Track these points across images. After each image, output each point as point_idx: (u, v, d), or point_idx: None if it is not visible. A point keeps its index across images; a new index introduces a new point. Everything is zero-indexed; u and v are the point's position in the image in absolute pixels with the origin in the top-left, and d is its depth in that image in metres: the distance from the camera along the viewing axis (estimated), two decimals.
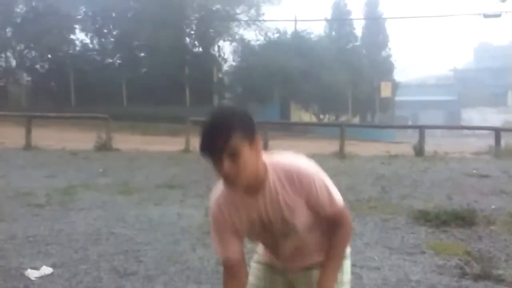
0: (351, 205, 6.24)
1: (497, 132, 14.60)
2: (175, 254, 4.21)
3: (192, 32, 28.32)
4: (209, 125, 1.55)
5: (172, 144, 13.24)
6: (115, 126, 13.87)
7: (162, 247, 4.43)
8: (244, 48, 27.51)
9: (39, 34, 24.97)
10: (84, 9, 27.99)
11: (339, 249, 1.71)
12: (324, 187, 1.64)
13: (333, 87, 25.44)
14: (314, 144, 14.97)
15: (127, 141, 13.41)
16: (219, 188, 1.70)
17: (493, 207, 6.22)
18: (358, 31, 32.57)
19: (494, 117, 36.38)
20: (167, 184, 7.61)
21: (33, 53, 28.28)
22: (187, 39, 28.23)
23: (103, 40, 28.27)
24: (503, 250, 4.45)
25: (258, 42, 27.92)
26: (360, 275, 3.78)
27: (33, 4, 27.17)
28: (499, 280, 3.65)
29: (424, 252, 4.40)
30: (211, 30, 27.51)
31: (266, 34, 28.16)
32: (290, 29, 28.76)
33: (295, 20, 29.37)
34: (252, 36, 28.17)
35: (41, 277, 3.60)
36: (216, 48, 27.96)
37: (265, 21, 28.46)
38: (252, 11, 28.96)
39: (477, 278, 3.69)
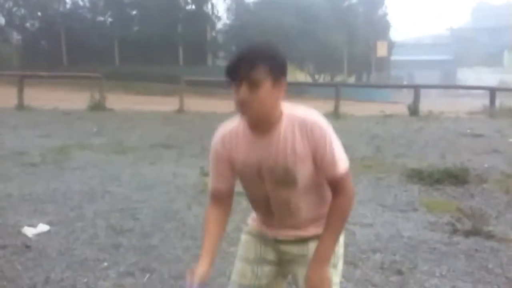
0: None
1: (492, 92, 14.60)
2: (170, 212, 4.25)
3: None
4: (240, 52, 1.56)
5: (166, 104, 13.16)
6: (108, 85, 13.74)
7: (157, 205, 4.46)
8: (238, 6, 27.00)
9: None
10: None
11: (338, 220, 1.65)
12: (334, 148, 1.61)
13: (329, 46, 25.20)
14: (309, 104, 14.68)
15: (121, 101, 13.31)
16: (231, 123, 1.71)
17: (486, 165, 6.28)
18: None
19: (489, 77, 36.28)
20: (162, 144, 7.60)
21: (23, 10, 27.65)
22: None
23: None
24: (495, 207, 4.52)
25: (252, 0, 27.40)
26: (353, 231, 3.84)
27: None
28: (489, 236, 3.72)
29: (416, 210, 4.47)
30: None
31: None
32: None
33: None
34: None
35: (38, 234, 3.63)
36: (209, 6, 27.45)
37: None
38: None
39: (468, 234, 3.76)
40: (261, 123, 1.59)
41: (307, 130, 1.58)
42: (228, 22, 28.16)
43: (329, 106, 12.59)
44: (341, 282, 1.82)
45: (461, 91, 26.63)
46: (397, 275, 3.07)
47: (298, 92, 16.65)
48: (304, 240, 1.72)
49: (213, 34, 27.67)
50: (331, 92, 13.95)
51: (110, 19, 27.52)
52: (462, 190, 5.10)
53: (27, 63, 23.29)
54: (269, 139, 1.61)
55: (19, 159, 6.22)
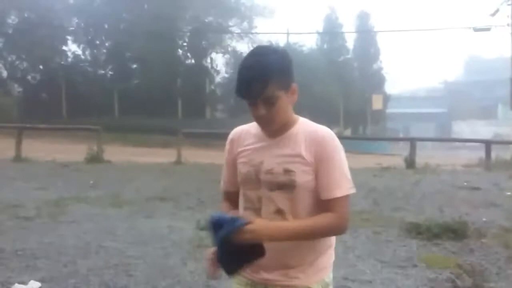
0: None
1: (488, 144, 14.69)
2: (166, 268, 4.17)
3: (185, 44, 28.41)
4: (248, 70, 1.55)
5: (163, 156, 13.19)
6: (106, 137, 13.81)
7: (152, 261, 4.38)
8: (237, 60, 27.58)
9: (31, 45, 24.93)
10: (76, 20, 28.00)
11: (315, 227, 1.57)
12: (336, 168, 1.59)
13: (325, 100, 25.58)
14: None
15: (119, 153, 13.34)
16: (249, 124, 1.74)
17: (484, 219, 6.24)
18: (350, 44, 32.87)
19: (484, 130, 36.65)
20: (158, 196, 7.56)
21: (25, 64, 28.20)
22: (180, 51, 28.32)
23: (95, 51, 28.27)
24: (495, 263, 4.45)
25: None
26: None
27: (25, 15, 27.13)
28: None
29: (416, 265, 4.39)
30: (203, 42, 27.61)
31: None
32: (282, 42, 28.94)
33: (287, 33, 29.59)
34: (244, 48, 28.29)
35: None
36: (208, 60, 28.09)
37: (258, 33, 28.67)
38: (245, 24, 29.15)
39: None
40: (278, 129, 1.63)
41: (319, 142, 1.59)
42: (226, 75, 28.72)
43: None
44: None
45: (456, 143, 26.84)
46: None
47: None
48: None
49: (212, 87, 28.15)
50: None
51: (111, 72, 28.05)
52: (461, 245, 5.04)
53: (27, 115, 23.49)
54: (279, 139, 1.64)
55: (14, 212, 6.16)
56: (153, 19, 23.84)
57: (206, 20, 27.88)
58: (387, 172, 11.67)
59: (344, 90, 27.82)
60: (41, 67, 27.91)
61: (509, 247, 4.93)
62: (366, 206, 7.17)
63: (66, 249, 4.66)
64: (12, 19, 27.76)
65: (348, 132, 30.94)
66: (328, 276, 1.72)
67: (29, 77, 28.56)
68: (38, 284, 3.68)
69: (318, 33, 32.23)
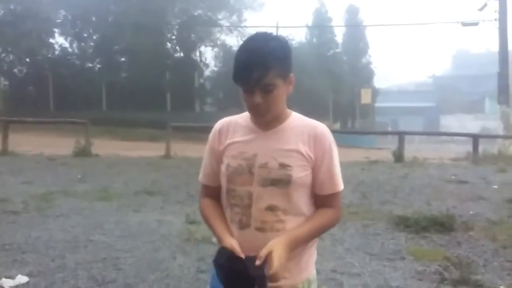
0: None
1: (475, 138, 14.83)
2: (154, 262, 4.16)
3: (174, 37, 28.22)
4: (246, 56, 1.51)
5: (152, 150, 13.13)
6: (94, 131, 13.70)
7: (141, 254, 4.37)
8: (226, 54, 27.50)
9: (17, 38, 24.59)
10: (63, 13, 27.65)
11: (322, 224, 1.59)
12: (334, 164, 1.60)
13: (314, 93, 25.60)
14: None
15: (107, 147, 13.24)
16: (234, 116, 1.70)
17: (471, 212, 6.31)
18: (339, 38, 32.88)
19: (472, 124, 37.00)
20: (147, 190, 7.52)
21: (11, 56, 27.80)
22: (168, 44, 28.12)
23: (82, 44, 27.97)
24: (482, 256, 4.50)
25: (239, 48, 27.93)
26: (341, 281, 3.78)
27: (11, 7, 26.73)
28: (477, 285, 3.69)
29: (404, 258, 4.43)
30: (192, 36, 27.45)
31: None
32: None
33: (277, 27, 29.47)
34: (233, 41, 28.18)
35: (16, 287, 3.51)
36: (197, 54, 27.92)
37: (247, 27, 28.52)
38: (234, 17, 29.03)
39: (456, 283, 3.72)
40: (271, 120, 1.59)
41: (315, 136, 1.58)
42: (215, 69, 28.61)
43: None
44: None
45: (444, 137, 27.06)
46: None
47: None
48: None
49: (201, 80, 28.01)
50: None
51: (98, 66, 27.79)
52: (448, 238, 5.09)
53: (13, 108, 23.21)
54: (273, 132, 1.60)
55: (1, 206, 6.09)
56: (142, 12, 23.63)
57: (195, 13, 27.71)
58: (376, 166, 11.74)
59: (333, 84, 27.86)
60: (27, 60, 27.56)
61: (495, 239, 4.99)
62: (354, 199, 7.21)
63: (54, 243, 4.62)
64: None
65: (337, 126, 31.02)
66: (312, 273, 1.71)
67: (15, 70, 28.18)
68: (26, 278, 3.65)
69: (307, 26, 32.20)
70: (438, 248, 4.76)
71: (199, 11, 27.89)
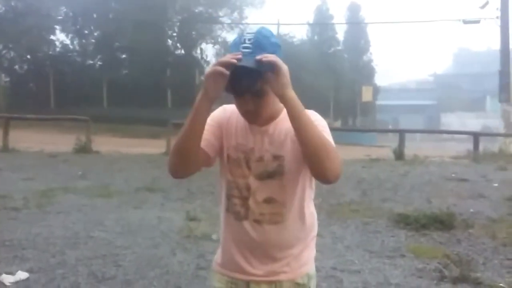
0: (332, 209, 6.27)
1: (476, 136, 14.83)
2: (154, 258, 4.16)
3: (175, 34, 28.21)
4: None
5: (153, 147, 13.14)
6: (95, 128, 13.71)
7: (141, 251, 4.37)
8: (227, 51, 27.36)
9: (18, 34, 24.58)
10: (64, 10, 27.63)
11: (320, 132, 1.46)
12: (323, 130, 1.53)
13: (315, 91, 25.58)
14: None
15: (107, 143, 13.26)
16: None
17: (471, 210, 6.31)
18: (340, 35, 32.91)
19: (472, 122, 37.01)
20: (147, 187, 7.53)
21: (12, 53, 27.82)
22: (169, 41, 28.12)
23: (83, 41, 27.96)
24: (481, 253, 4.50)
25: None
26: (341, 279, 3.79)
27: (12, 3, 26.72)
28: (477, 283, 3.69)
29: (404, 256, 4.43)
30: (193, 33, 27.44)
31: None
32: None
33: (278, 24, 29.51)
34: None
35: (16, 283, 3.52)
36: (198, 51, 27.92)
37: (248, 24, 28.51)
38: (235, 14, 29.00)
39: (455, 281, 3.72)
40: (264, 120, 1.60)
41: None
42: None
43: None
44: None
45: (445, 135, 27.05)
46: None
47: None
48: (277, 282, 1.61)
49: (202, 78, 27.96)
50: None
51: (99, 63, 27.78)
52: (448, 235, 5.09)
53: (14, 105, 23.21)
54: (266, 128, 1.60)
55: (1, 203, 6.10)
56: (142, 9, 23.61)
57: (196, 10, 27.70)
58: (376, 164, 11.74)
59: (334, 82, 27.87)
60: (28, 56, 27.57)
61: (495, 237, 4.99)
62: (355, 197, 7.21)
63: (54, 239, 4.63)
64: None
65: (338, 124, 31.03)
66: (312, 268, 1.71)
67: (16, 67, 28.19)
68: (26, 274, 3.65)
69: (308, 24, 32.22)
70: (438, 245, 4.76)
71: (200, 8, 27.87)
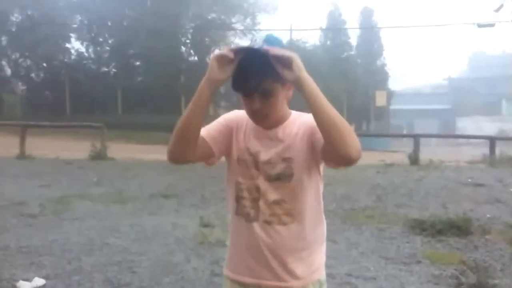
0: (347, 214, 6.24)
1: (492, 141, 14.65)
2: (169, 265, 4.18)
3: (188, 41, 28.42)
4: (244, 63, 1.51)
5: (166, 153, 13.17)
6: (110, 135, 13.84)
7: (156, 257, 4.39)
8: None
9: (34, 43, 24.99)
10: (79, 18, 28.04)
11: (334, 111, 1.46)
12: None
13: (328, 96, 24.86)
14: None
15: (122, 150, 13.37)
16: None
17: (488, 216, 6.22)
18: (353, 40, 32.86)
19: (488, 126, 36.56)
20: (162, 193, 7.57)
21: (28, 61, 28.29)
22: (183, 48, 28.33)
23: (98, 48, 28.32)
24: (499, 260, 4.44)
25: None
26: (356, 286, 3.76)
27: (29, 12, 27.19)
28: None
29: (420, 262, 4.38)
30: (206, 39, 27.62)
31: None
32: (285, 38, 28.90)
33: (291, 30, 29.55)
34: (247, 45, 28.29)
35: None
36: (211, 57, 28.05)
37: (261, 30, 28.59)
38: (248, 20, 29.13)
39: None
40: (272, 124, 1.61)
41: (306, 124, 1.58)
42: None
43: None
44: None
45: (460, 140, 26.78)
46: None
47: None
48: None
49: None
50: None
51: (114, 70, 28.09)
52: (465, 241, 5.02)
53: (30, 112, 23.59)
54: (274, 131, 1.61)
55: (18, 209, 6.18)
56: (156, 16, 23.84)
57: (209, 17, 27.88)
58: (391, 169, 11.65)
59: (347, 87, 27.79)
60: (44, 64, 28.00)
61: None
62: (369, 202, 7.16)
63: (70, 246, 4.67)
64: (15, 17, 27.86)
65: (351, 129, 30.91)
66: (323, 275, 1.70)
67: (32, 75, 28.66)
68: (43, 281, 3.69)
69: (321, 29, 32.23)
70: (455, 251, 4.70)
71: (213, 15, 28.05)
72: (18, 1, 25.53)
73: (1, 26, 26.70)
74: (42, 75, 28.51)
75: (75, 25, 27.96)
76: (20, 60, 28.16)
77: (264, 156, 1.61)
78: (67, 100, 25.90)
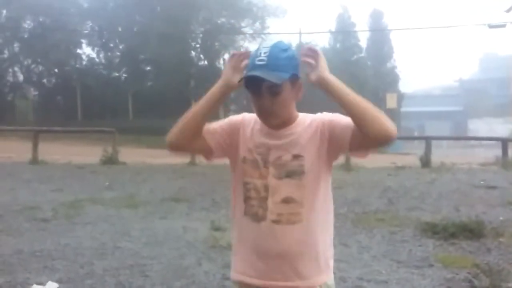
0: (358, 217, 6.21)
1: (504, 142, 14.51)
2: (180, 269, 4.19)
3: (198, 45, 28.55)
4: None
5: (177, 157, 13.23)
6: (121, 139, 13.92)
7: (167, 261, 4.41)
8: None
9: (46, 49, 25.28)
10: (90, 24, 28.31)
11: (363, 100, 1.57)
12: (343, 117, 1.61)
13: None
14: None
15: (133, 155, 13.44)
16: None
17: (501, 218, 6.16)
18: (363, 42, 32.74)
19: (500, 127, 36.20)
20: (173, 197, 7.60)
21: (40, 67, 28.60)
22: (193, 53, 28.47)
23: (109, 54, 28.57)
24: None
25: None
26: None
27: (40, 19, 27.51)
28: None
29: (432, 265, 4.35)
30: (216, 44, 27.71)
31: None
32: (295, 42, 28.90)
33: (300, 33, 29.51)
34: None
35: None
36: (221, 62, 28.16)
37: (270, 34, 28.63)
38: (257, 24, 29.19)
39: None
40: (280, 124, 1.62)
41: (322, 117, 1.63)
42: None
43: (340, 158, 12.54)
44: None
45: (472, 142, 26.55)
46: None
47: None
48: None
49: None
50: None
51: (124, 75, 28.30)
52: (478, 244, 4.98)
53: (43, 118, 23.82)
54: (283, 131, 1.62)
55: (31, 214, 6.24)
56: (166, 21, 24.00)
57: (219, 22, 27.99)
58: (402, 171, 11.59)
59: (357, 89, 26.93)
60: (56, 70, 28.29)
61: None
62: (381, 205, 7.12)
63: (82, 250, 4.71)
64: (27, 24, 28.20)
65: None
66: (331, 279, 1.69)
67: (44, 81, 28.97)
68: (56, 285, 3.72)
69: (330, 32, 32.18)
70: (467, 255, 4.66)
71: (223, 19, 28.16)
72: (30, 8, 25.85)
73: (13, 33, 27.06)
74: (53, 80, 28.81)
75: (86, 31, 28.24)
76: (32, 66, 28.49)
77: (274, 154, 1.62)
78: (79, 105, 26.13)
